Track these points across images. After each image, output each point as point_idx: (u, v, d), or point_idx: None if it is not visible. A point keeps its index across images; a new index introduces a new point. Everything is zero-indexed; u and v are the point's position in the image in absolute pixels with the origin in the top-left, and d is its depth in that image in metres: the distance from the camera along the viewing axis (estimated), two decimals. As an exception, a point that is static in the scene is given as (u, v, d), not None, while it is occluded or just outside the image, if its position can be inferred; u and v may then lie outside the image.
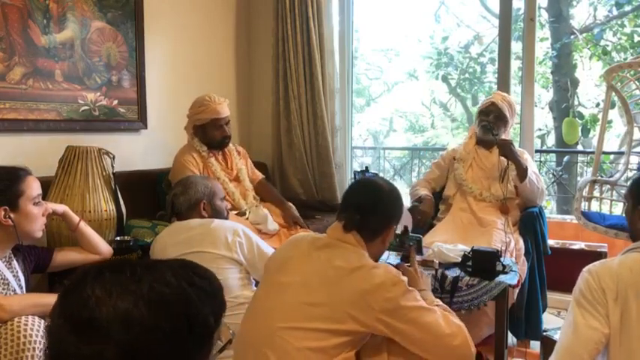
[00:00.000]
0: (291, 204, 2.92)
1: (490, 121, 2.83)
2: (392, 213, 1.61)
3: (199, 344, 0.72)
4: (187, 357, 0.71)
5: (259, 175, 3.07)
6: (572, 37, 6.41)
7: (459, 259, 2.23)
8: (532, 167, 2.85)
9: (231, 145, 2.94)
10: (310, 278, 1.45)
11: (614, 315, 1.29)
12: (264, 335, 1.42)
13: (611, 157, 5.77)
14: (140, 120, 3.00)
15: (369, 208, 1.55)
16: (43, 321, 1.56)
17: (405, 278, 1.47)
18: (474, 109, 4.05)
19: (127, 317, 0.66)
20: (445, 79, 7.71)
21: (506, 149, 2.70)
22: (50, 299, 1.58)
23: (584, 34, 6.50)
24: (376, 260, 1.59)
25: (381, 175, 3.46)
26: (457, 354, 1.46)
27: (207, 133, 2.78)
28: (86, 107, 2.72)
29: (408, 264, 2.22)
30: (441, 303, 1.60)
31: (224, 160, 2.88)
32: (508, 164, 2.74)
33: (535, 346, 2.61)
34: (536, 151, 4.46)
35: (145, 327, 0.67)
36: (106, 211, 2.25)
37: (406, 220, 2.24)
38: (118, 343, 0.65)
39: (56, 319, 0.69)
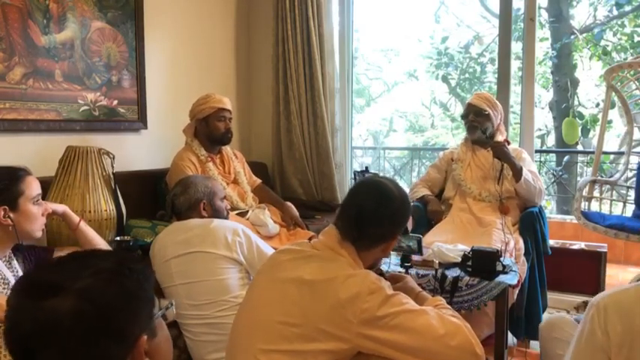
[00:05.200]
0: (290, 204, 2.92)
1: (471, 119, 2.88)
2: (399, 223, 1.45)
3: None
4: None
5: (257, 180, 3.06)
6: (572, 37, 6.41)
7: (459, 259, 2.23)
8: (531, 167, 2.86)
9: (228, 148, 2.94)
10: (286, 294, 1.33)
11: None
12: (244, 350, 1.34)
13: (611, 157, 5.78)
14: (140, 120, 3.00)
15: (373, 218, 1.39)
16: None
17: (385, 284, 1.32)
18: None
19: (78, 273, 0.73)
20: (445, 79, 7.71)
21: (499, 151, 2.70)
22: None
23: (584, 34, 6.51)
24: (373, 268, 1.47)
25: (381, 175, 3.45)
26: (458, 355, 1.27)
27: (211, 124, 2.75)
28: (86, 107, 2.72)
29: (408, 264, 2.22)
30: (443, 301, 1.46)
31: (222, 164, 2.87)
32: (503, 165, 2.74)
33: (535, 346, 2.61)
34: (536, 151, 4.47)
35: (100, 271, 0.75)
36: (106, 211, 2.25)
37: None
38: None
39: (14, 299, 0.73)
